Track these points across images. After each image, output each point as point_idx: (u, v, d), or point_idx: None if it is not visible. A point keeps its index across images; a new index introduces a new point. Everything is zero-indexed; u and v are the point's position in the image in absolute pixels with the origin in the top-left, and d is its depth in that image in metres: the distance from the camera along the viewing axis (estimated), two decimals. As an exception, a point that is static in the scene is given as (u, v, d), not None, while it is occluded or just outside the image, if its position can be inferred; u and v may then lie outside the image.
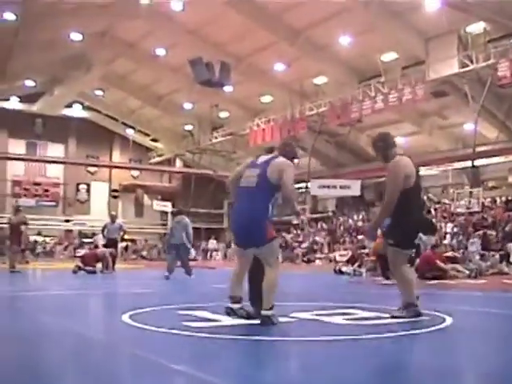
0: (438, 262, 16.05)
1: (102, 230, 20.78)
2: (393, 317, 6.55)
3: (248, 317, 6.41)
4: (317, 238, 41.26)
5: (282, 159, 6.39)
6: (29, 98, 48.38)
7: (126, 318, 6.63)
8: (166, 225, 50.58)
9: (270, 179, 6.18)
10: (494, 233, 26.83)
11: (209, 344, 5.19)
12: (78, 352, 4.94)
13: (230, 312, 6.35)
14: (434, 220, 30.73)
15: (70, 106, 51.76)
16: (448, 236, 31.98)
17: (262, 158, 6.51)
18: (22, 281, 16.41)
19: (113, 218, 21.11)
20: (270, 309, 6.02)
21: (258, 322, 6.18)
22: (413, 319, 6.46)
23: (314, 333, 5.81)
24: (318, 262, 37.08)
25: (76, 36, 37.03)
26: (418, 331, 5.79)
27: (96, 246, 21.06)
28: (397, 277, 6.92)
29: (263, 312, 6.02)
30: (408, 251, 7.02)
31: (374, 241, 13.26)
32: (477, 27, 29.42)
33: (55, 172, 54.22)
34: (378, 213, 7.01)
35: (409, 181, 6.68)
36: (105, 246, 20.35)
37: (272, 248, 6.23)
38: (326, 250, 38.47)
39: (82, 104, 52.62)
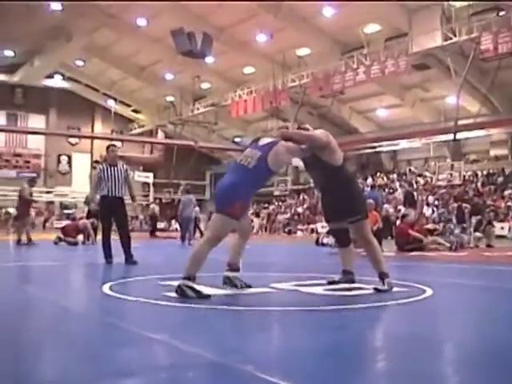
0: (410, 232, 16.01)
1: (85, 202, 20.71)
2: (376, 289, 6.50)
3: (241, 286, 6.46)
4: (299, 210, 41.43)
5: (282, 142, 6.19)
6: (8, 68, 47.86)
7: (106, 288, 6.60)
8: (147, 196, 50.43)
9: (269, 164, 6.01)
10: (468, 205, 26.80)
11: (188, 314, 5.19)
12: (58, 323, 4.91)
13: (226, 281, 6.46)
14: (415, 193, 30.97)
15: (50, 76, 51.29)
16: (429, 208, 32.22)
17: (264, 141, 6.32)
18: (3, 252, 16.33)
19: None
20: (186, 279, 5.80)
21: (239, 291, 6.24)
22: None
23: (294, 303, 5.81)
24: (299, 233, 37.25)
25: (55, 5, 36.66)
26: (398, 302, 5.82)
27: (79, 218, 20.93)
28: (371, 248, 6.80)
29: (180, 281, 5.86)
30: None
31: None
32: (461, 0, 29.40)
33: (36, 143, 53.92)
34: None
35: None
36: (87, 217, 20.29)
37: (217, 221, 5.96)
38: (307, 222, 38.61)
39: (62, 75, 52.18)
